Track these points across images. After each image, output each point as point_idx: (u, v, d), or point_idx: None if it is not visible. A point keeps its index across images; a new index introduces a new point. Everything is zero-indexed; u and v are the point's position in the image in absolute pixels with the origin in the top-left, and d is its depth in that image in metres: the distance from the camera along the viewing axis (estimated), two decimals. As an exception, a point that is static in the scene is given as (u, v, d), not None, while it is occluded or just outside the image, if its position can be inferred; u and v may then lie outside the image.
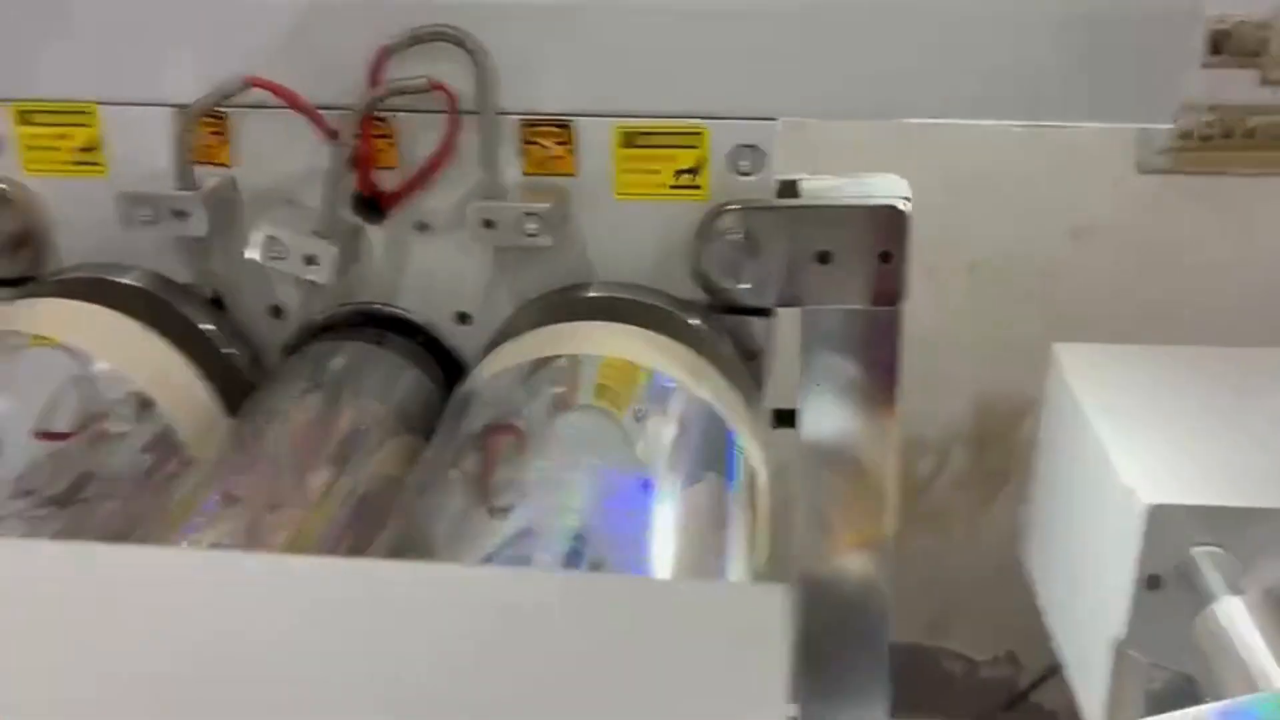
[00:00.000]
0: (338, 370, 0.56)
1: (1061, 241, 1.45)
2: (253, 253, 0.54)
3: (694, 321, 0.56)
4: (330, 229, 0.55)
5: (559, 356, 0.52)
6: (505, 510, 0.42)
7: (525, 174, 0.56)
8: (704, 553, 0.43)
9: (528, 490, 0.43)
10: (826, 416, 0.59)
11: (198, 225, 0.55)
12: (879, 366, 0.58)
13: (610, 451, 0.47)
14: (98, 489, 0.48)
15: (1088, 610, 0.76)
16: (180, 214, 0.54)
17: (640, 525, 0.42)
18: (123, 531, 0.47)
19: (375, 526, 0.48)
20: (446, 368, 0.60)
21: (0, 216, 0.57)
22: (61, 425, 0.49)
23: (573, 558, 0.40)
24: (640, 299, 0.56)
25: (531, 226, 0.54)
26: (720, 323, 0.57)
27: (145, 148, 0.57)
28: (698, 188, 0.56)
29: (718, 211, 0.55)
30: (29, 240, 0.58)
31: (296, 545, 0.44)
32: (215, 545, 0.43)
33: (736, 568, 0.43)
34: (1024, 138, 1.34)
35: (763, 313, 0.57)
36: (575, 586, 0.28)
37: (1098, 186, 1.42)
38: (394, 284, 0.59)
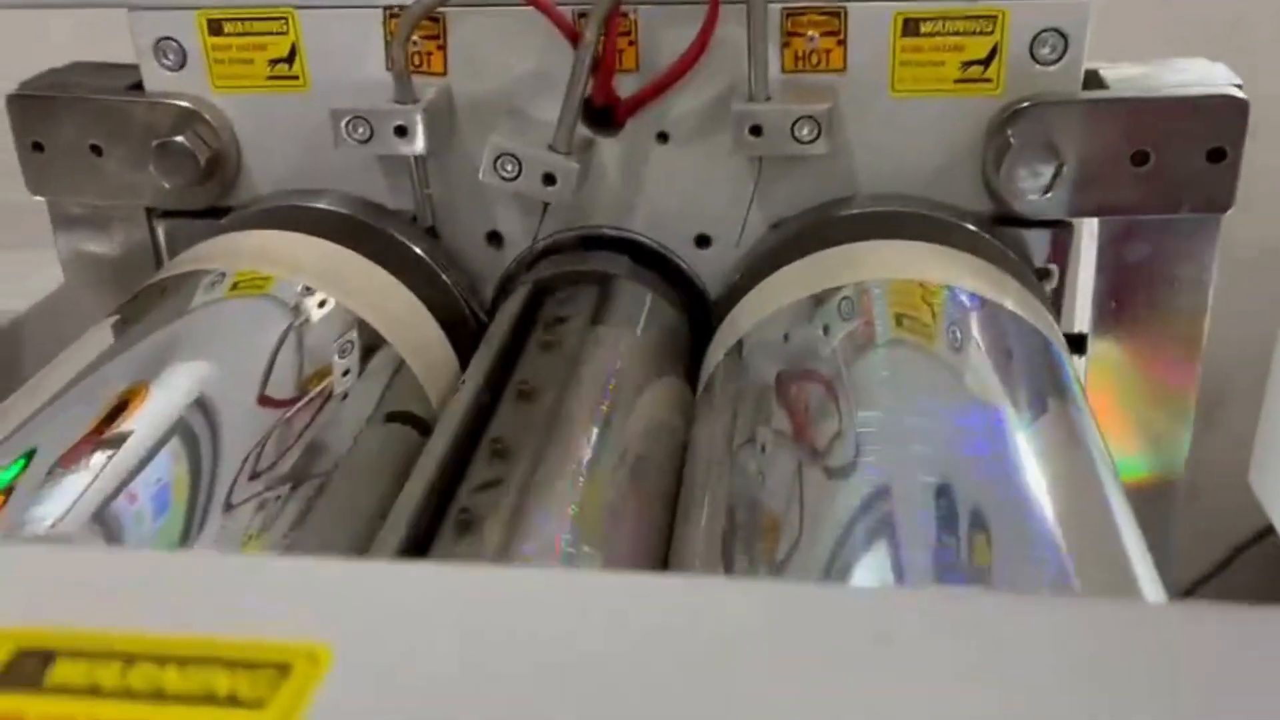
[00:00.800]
0: (576, 305, 0.49)
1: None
2: (486, 172, 0.48)
3: (984, 236, 0.49)
4: (568, 143, 0.48)
5: (843, 286, 0.44)
6: (846, 470, 0.36)
7: (784, 71, 0.49)
8: (1084, 492, 0.36)
9: (863, 445, 0.36)
10: (1126, 340, 0.52)
11: (418, 143, 0.48)
12: (1193, 282, 0.50)
13: (938, 388, 0.40)
14: (336, 459, 0.42)
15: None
16: (400, 131, 0.48)
17: (1007, 468, 0.36)
18: (376, 511, 0.41)
19: (660, 492, 0.42)
20: (686, 296, 0.53)
21: (189, 139, 0.51)
22: (286, 386, 0.42)
23: (945, 514, 0.33)
24: (920, 211, 0.49)
25: (805, 132, 0.47)
26: (1009, 237, 0.50)
27: (350, 57, 0.50)
28: (989, 81, 0.48)
29: (1014, 108, 0.47)
30: (218, 166, 0.52)
31: (584, 519, 0.38)
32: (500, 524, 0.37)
33: (1119, 505, 0.36)
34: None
35: (1060, 225, 0.50)
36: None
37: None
38: (626, 204, 0.53)
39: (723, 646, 0.19)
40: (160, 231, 0.54)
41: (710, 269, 0.53)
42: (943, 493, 0.34)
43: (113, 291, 0.57)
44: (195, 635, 0.18)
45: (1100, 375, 0.53)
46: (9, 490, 0.35)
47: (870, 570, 0.31)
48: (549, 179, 0.48)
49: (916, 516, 0.33)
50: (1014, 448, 0.37)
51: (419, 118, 0.48)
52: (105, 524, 0.34)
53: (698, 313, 0.53)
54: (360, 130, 0.48)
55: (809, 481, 0.36)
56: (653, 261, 0.53)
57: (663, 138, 0.51)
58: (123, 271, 0.56)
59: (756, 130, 0.47)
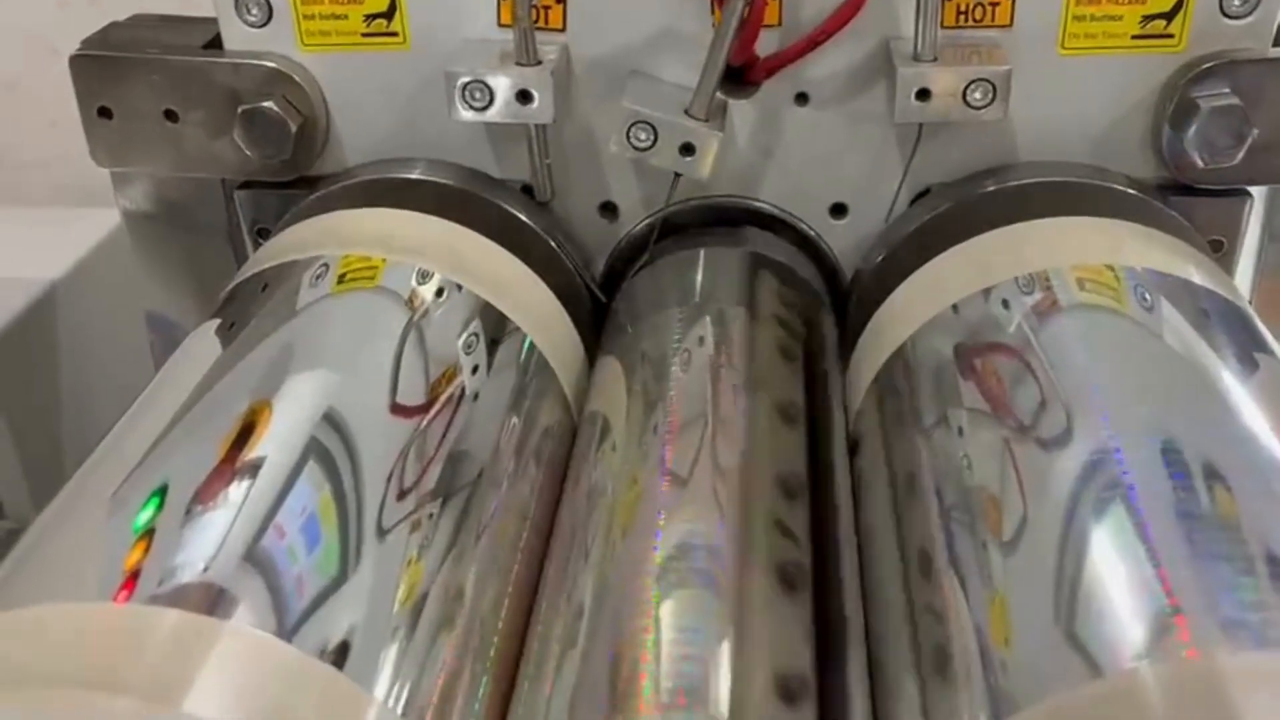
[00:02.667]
0: (714, 284, 0.45)
1: None
2: (618, 142, 0.43)
3: (1160, 207, 0.45)
4: (707, 109, 0.43)
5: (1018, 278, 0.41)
6: (1061, 440, 0.33)
7: (943, 26, 0.44)
8: None
9: (1071, 411, 0.33)
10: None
11: (545, 109, 0.43)
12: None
13: (1137, 347, 0.37)
14: (480, 466, 0.37)
15: None
16: (524, 96, 0.43)
17: (1230, 420, 0.33)
18: (540, 524, 0.37)
19: (826, 483, 0.39)
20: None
21: (278, 104, 0.46)
22: (416, 391, 0.37)
23: (1179, 471, 0.31)
24: (1090, 181, 0.45)
25: (978, 96, 0.42)
26: (1178, 207, 0.46)
27: (457, 12, 0.45)
28: (1170, 36, 0.44)
29: (1199, 67, 0.43)
30: (306, 132, 0.47)
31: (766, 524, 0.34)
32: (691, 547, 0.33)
33: None
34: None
35: (1237, 194, 0.46)
36: None
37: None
38: (755, 171, 0.48)
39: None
40: (238, 203, 0.49)
41: (843, 240, 0.49)
42: (1170, 450, 0.31)
43: (182, 264, 0.53)
44: None
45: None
46: (150, 532, 0.30)
47: (1112, 535, 0.29)
48: (687, 149, 0.43)
49: (1150, 477, 0.30)
50: (1231, 400, 0.34)
51: (545, 81, 0.43)
52: (258, 564, 0.30)
53: (828, 285, 0.49)
54: (479, 96, 0.43)
55: (1022, 456, 0.33)
56: (780, 232, 0.49)
57: (801, 99, 0.46)
58: (194, 242, 0.52)
59: (924, 94, 0.42)
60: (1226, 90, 0.43)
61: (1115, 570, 0.29)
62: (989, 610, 0.30)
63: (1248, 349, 0.37)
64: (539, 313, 0.44)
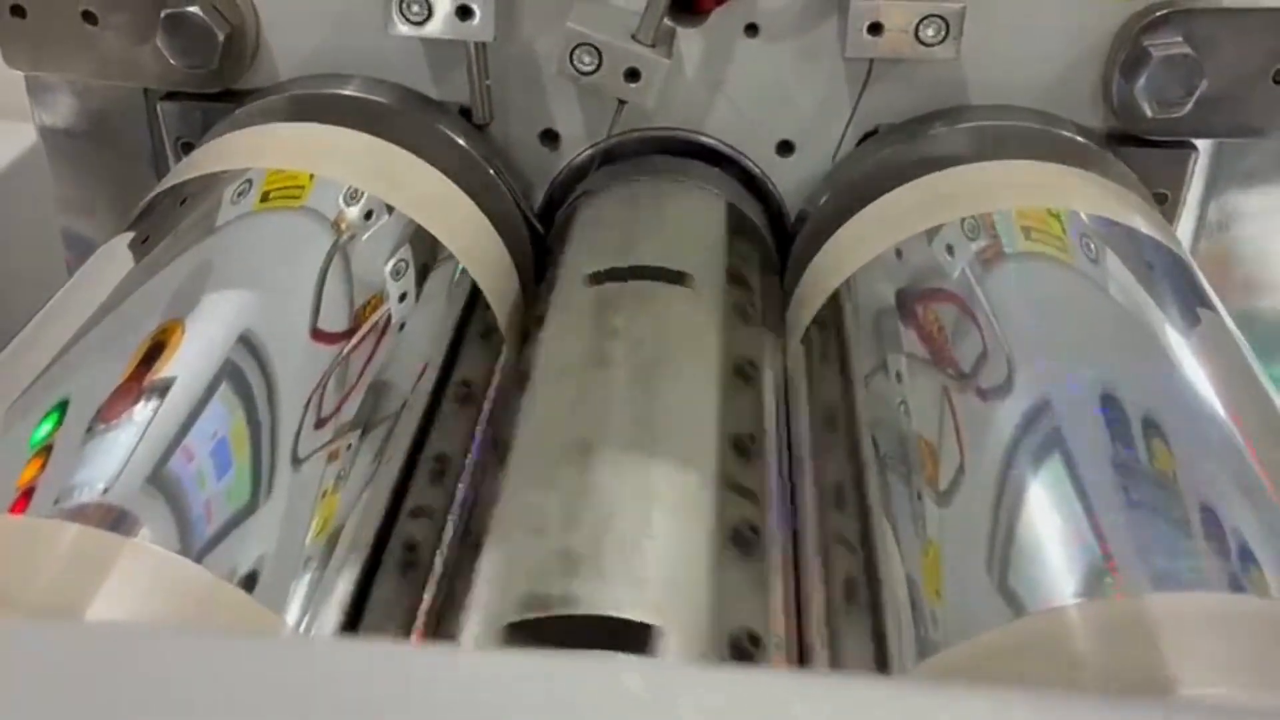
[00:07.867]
0: (657, 217, 0.44)
1: None
2: (561, 64, 0.42)
3: (1108, 155, 0.44)
4: (654, 34, 0.42)
5: (964, 220, 0.40)
6: (1000, 390, 0.32)
7: (898, -39, 0.43)
8: (1256, 397, 0.33)
9: (1015, 361, 0.33)
10: (1227, 263, 0.48)
11: (485, 26, 0.42)
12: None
13: (1080, 298, 0.36)
14: (403, 398, 0.36)
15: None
16: (464, 11, 0.41)
17: (1172, 374, 0.33)
18: (465, 461, 0.36)
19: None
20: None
21: (204, 10, 0.43)
22: (339, 317, 0.36)
23: (1118, 424, 0.30)
24: (1038, 127, 0.44)
25: (931, 33, 0.41)
26: (1125, 158, 0.45)
27: (397, -80, 0.43)
28: (1125, -18, 0.43)
29: (1152, 15, 0.43)
30: (235, 42, 0.45)
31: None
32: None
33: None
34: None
35: (1183, 146, 0.45)
36: None
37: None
38: (701, 103, 0.47)
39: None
40: (161, 115, 0.47)
41: (789, 179, 0.48)
42: (1110, 403, 0.31)
43: (101, 183, 0.51)
44: None
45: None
46: (47, 449, 0.29)
47: (1048, 488, 0.29)
48: (632, 74, 0.42)
49: (1089, 429, 0.30)
50: (1172, 354, 0.34)
51: (487, -1, 0.41)
52: (163, 487, 0.29)
53: (772, 225, 0.48)
54: (417, 10, 0.41)
55: (961, 405, 0.33)
56: (725, 168, 0.48)
57: (751, 30, 0.45)
58: (114, 160, 0.50)
59: (876, 28, 0.41)
60: (1179, 39, 0.42)
61: (1050, 522, 0.28)
62: (922, 561, 0.30)
63: (1190, 303, 0.37)
64: (474, 240, 0.43)
